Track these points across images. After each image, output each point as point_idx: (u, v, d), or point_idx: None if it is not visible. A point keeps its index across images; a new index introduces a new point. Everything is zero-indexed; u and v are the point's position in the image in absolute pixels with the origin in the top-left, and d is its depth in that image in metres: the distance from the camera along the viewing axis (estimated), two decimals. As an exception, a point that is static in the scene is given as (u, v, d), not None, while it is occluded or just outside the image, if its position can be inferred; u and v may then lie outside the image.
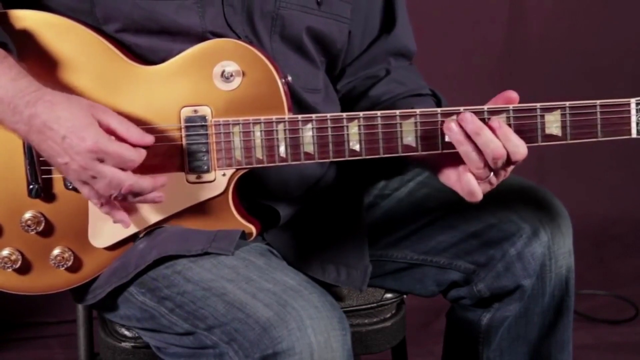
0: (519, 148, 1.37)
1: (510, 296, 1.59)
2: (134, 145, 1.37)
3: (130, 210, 1.45)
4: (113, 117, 1.37)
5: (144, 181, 1.39)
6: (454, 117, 1.38)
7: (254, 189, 1.51)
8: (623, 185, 3.61)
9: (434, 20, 3.45)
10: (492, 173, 1.39)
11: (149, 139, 1.39)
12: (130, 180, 1.37)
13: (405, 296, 1.75)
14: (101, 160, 1.34)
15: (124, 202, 1.41)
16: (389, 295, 1.72)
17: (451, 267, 1.64)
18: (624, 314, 2.91)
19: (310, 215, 1.63)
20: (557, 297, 1.60)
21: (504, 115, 1.38)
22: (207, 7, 1.47)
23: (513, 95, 1.39)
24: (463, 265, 1.63)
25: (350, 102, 1.70)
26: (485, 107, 1.38)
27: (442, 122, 1.39)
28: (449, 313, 1.75)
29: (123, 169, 1.36)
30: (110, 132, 1.36)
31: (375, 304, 1.71)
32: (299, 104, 1.54)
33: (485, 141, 1.36)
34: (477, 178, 1.39)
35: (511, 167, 1.40)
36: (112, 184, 1.36)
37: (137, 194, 1.39)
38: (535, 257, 1.57)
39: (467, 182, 1.40)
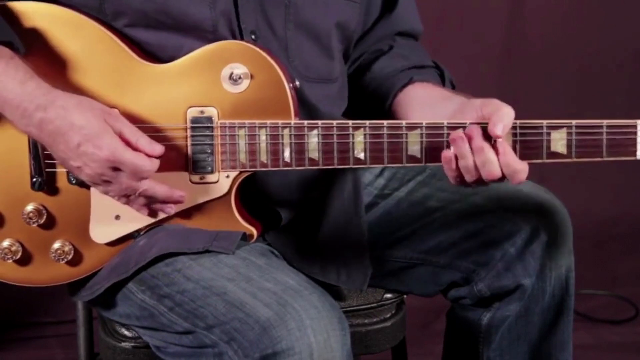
0: (519, 174, 1.36)
1: (511, 296, 1.59)
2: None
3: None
4: (125, 124, 1.38)
5: (159, 188, 1.40)
6: (461, 130, 1.38)
7: (256, 191, 1.51)
8: (623, 186, 3.60)
9: (434, 22, 3.45)
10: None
11: (158, 149, 1.39)
12: (144, 185, 1.38)
13: (405, 296, 1.75)
14: (116, 169, 1.35)
15: (136, 202, 1.42)
16: (389, 295, 1.72)
17: (451, 267, 1.64)
18: (624, 314, 2.91)
19: (310, 215, 1.63)
20: (557, 296, 1.60)
21: (510, 131, 1.37)
22: None
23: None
24: (463, 265, 1.63)
25: (354, 76, 1.69)
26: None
27: (448, 134, 1.39)
28: (449, 313, 1.75)
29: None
30: (121, 140, 1.36)
31: (375, 304, 1.70)
32: (301, 102, 1.53)
33: (483, 160, 1.36)
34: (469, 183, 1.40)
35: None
36: (128, 189, 1.38)
37: (149, 197, 1.40)
38: (535, 257, 1.57)
39: None
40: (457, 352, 1.74)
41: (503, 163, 1.36)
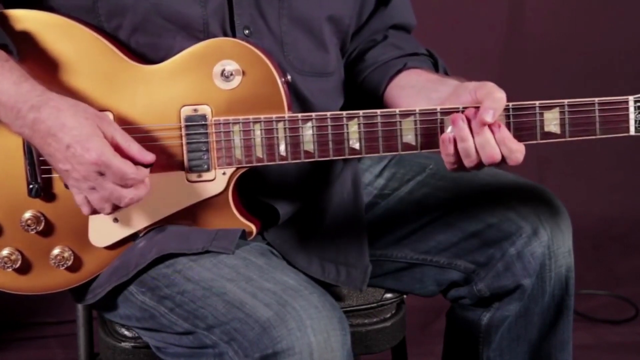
0: (515, 154, 1.37)
1: (510, 296, 1.59)
2: (136, 162, 1.37)
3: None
4: (117, 130, 1.37)
5: (143, 193, 1.39)
6: (461, 112, 1.39)
7: (254, 187, 1.51)
8: (623, 185, 3.60)
9: (434, 20, 3.45)
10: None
11: (150, 157, 1.39)
12: (130, 194, 1.37)
13: (405, 296, 1.75)
14: (102, 174, 1.34)
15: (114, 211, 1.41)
16: (389, 295, 1.72)
17: (451, 267, 1.64)
18: (624, 314, 2.91)
19: (310, 214, 1.63)
20: (557, 296, 1.60)
21: (503, 113, 1.39)
22: None
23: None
24: (463, 265, 1.63)
25: (348, 67, 1.69)
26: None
27: (442, 120, 1.40)
28: (449, 313, 1.75)
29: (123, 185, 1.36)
30: (112, 145, 1.36)
31: (375, 304, 1.70)
32: (296, 96, 1.53)
33: (483, 142, 1.36)
34: (467, 167, 1.40)
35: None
36: (112, 197, 1.36)
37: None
38: (535, 257, 1.57)
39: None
40: (457, 352, 1.74)
41: (500, 142, 1.37)
